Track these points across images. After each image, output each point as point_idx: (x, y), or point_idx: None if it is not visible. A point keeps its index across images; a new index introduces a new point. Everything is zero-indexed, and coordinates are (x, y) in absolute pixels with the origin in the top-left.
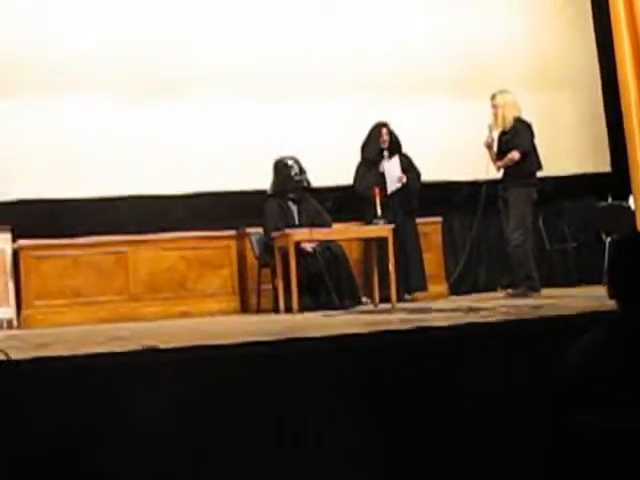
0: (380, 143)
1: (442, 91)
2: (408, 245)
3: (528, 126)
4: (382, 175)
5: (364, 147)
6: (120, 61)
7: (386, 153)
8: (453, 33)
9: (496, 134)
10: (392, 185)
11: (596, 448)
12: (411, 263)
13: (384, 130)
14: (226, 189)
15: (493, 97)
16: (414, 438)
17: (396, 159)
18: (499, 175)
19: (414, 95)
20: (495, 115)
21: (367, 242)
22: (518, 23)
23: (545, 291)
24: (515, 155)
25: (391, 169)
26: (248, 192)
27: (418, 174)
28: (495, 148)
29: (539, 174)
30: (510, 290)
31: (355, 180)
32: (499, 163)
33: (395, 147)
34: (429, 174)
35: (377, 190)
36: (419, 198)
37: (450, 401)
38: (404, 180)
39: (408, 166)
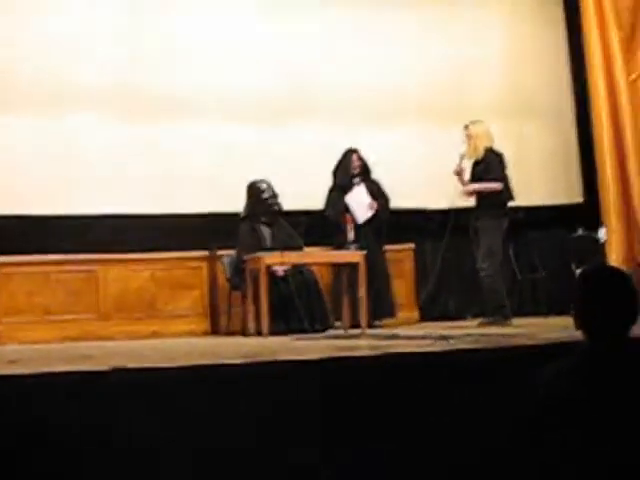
0: (351, 169)
1: (416, 118)
2: (377, 271)
3: (500, 157)
4: (346, 206)
5: (335, 173)
6: (100, 82)
7: (357, 180)
8: (427, 61)
9: (468, 163)
10: (363, 213)
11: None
12: (379, 290)
13: (355, 156)
14: (199, 211)
15: (466, 127)
16: (379, 462)
17: (362, 187)
18: (472, 203)
19: (388, 122)
20: (468, 145)
21: (338, 267)
22: (493, 53)
23: (515, 321)
24: (497, 187)
25: (359, 197)
26: (220, 214)
27: (387, 200)
28: (467, 177)
29: (510, 204)
30: (483, 319)
31: (326, 206)
32: (475, 186)
33: (365, 173)
34: (402, 201)
35: (349, 216)
36: (389, 224)
37: (416, 427)
38: (375, 207)
39: (377, 192)
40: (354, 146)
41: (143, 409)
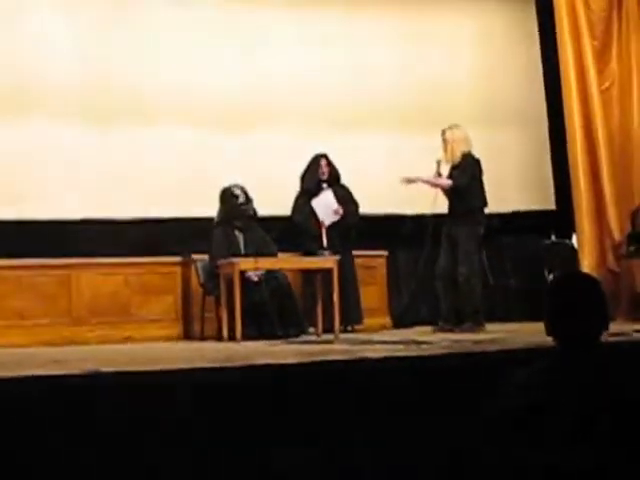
0: (319, 175)
1: (390, 124)
2: (345, 278)
3: (477, 162)
4: (312, 210)
5: (303, 178)
6: (73, 85)
7: (325, 185)
8: (403, 68)
9: (446, 169)
10: (329, 217)
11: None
12: (347, 296)
13: (323, 162)
14: (172, 215)
15: (443, 132)
16: (351, 465)
17: (329, 191)
18: (445, 210)
19: (362, 127)
20: (445, 150)
21: (309, 273)
22: (468, 61)
23: (487, 326)
24: (445, 183)
25: (325, 201)
26: (194, 219)
27: (357, 206)
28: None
29: (484, 210)
30: (439, 325)
31: (293, 211)
32: (423, 178)
33: (334, 178)
34: (376, 207)
35: (321, 222)
36: (359, 230)
37: (388, 431)
38: (340, 212)
39: (346, 198)
40: (328, 151)
41: (117, 413)
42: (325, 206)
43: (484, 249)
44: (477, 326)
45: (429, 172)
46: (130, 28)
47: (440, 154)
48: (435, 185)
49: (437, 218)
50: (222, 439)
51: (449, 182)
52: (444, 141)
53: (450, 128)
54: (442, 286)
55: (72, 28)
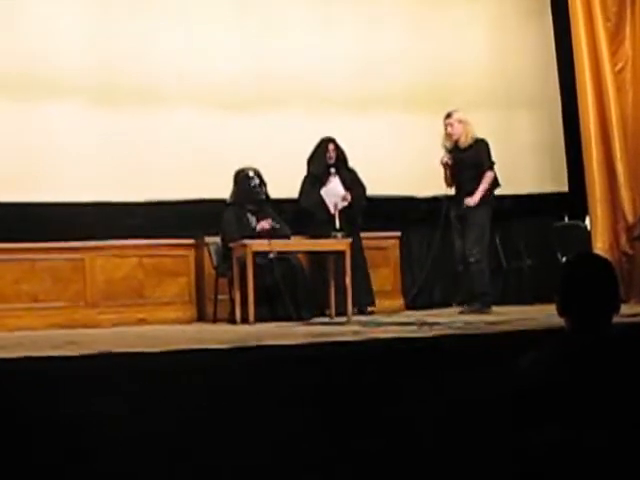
0: (326, 159)
1: (403, 107)
2: (355, 260)
3: (487, 144)
4: (322, 198)
5: (309, 162)
6: (88, 67)
7: (332, 170)
8: (414, 49)
9: (442, 152)
10: (338, 204)
11: (542, 460)
12: (357, 279)
13: (331, 146)
14: (185, 197)
15: (449, 115)
16: (364, 448)
17: (337, 179)
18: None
19: (374, 109)
20: (450, 133)
21: (319, 256)
22: (480, 42)
23: (500, 308)
24: (492, 176)
25: (334, 190)
26: (207, 201)
27: (363, 189)
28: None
29: (497, 192)
30: (465, 307)
31: (300, 195)
32: (478, 195)
33: (341, 162)
34: (388, 189)
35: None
36: (369, 213)
37: (401, 412)
38: (348, 198)
39: (353, 181)
40: (340, 133)
41: (130, 394)
42: (333, 195)
43: (497, 231)
44: (485, 308)
45: (441, 154)
46: (142, 10)
47: (444, 137)
48: (487, 187)
49: (450, 200)
50: (235, 420)
51: (492, 174)
52: (449, 125)
53: (455, 111)
54: (463, 269)
55: (84, 12)
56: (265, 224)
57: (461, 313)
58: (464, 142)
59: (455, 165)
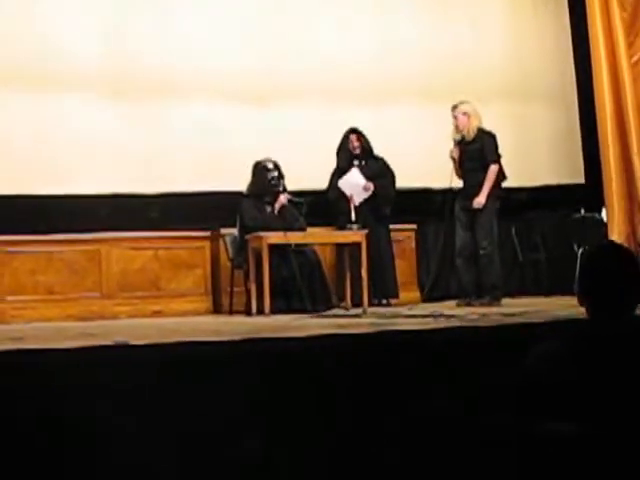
0: (351, 150)
1: (419, 99)
2: (379, 252)
3: (493, 137)
4: (341, 191)
5: (337, 155)
6: (104, 60)
7: (356, 161)
8: (431, 41)
9: (450, 144)
10: (358, 195)
11: (552, 454)
12: (382, 270)
13: (353, 136)
14: (201, 189)
15: (455, 107)
16: (378, 440)
17: (355, 169)
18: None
19: (392, 102)
20: (457, 126)
21: (340, 247)
22: (497, 34)
23: (516, 301)
24: (494, 169)
25: (352, 180)
26: (223, 193)
27: (393, 178)
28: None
29: (509, 184)
30: (471, 300)
31: (328, 187)
32: (485, 193)
33: (367, 152)
34: (405, 181)
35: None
36: (393, 203)
37: (417, 403)
38: (371, 188)
39: (381, 170)
40: (357, 125)
41: (146, 385)
42: (353, 185)
43: (513, 224)
44: (495, 301)
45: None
46: (159, 0)
47: (453, 132)
48: (493, 182)
49: (456, 193)
50: (250, 411)
51: (496, 168)
52: (459, 115)
53: (462, 103)
54: (462, 262)
55: (101, 3)
56: (283, 199)
57: (458, 306)
58: (468, 135)
59: (461, 157)
